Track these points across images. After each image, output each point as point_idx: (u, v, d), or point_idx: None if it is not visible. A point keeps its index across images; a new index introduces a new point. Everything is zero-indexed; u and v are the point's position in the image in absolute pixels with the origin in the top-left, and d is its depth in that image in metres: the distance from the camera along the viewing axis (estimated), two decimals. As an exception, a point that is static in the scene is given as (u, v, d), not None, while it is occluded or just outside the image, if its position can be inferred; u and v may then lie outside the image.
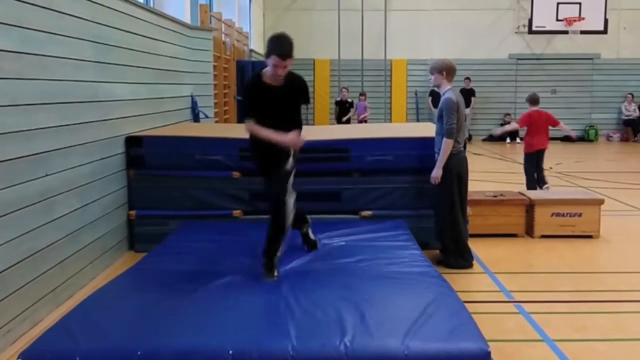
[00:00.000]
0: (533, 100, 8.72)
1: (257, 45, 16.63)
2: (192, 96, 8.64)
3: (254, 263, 4.53)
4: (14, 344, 3.85)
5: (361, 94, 16.60)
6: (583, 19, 16.90)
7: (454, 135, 5.34)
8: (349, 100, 16.00)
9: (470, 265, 5.52)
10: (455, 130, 5.33)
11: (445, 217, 5.50)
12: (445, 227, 5.52)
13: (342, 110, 15.92)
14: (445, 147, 5.34)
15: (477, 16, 18.09)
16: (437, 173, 5.42)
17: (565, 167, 12.17)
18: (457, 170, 5.45)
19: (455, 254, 5.50)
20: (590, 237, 6.55)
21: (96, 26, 5.33)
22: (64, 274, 4.61)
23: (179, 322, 3.39)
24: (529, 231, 6.63)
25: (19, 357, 3.03)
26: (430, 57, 17.05)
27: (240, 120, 11.99)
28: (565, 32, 17.21)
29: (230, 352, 3.04)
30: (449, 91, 5.42)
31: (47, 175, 4.34)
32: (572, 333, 4.13)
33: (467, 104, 16.90)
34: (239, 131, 7.16)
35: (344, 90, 16.15)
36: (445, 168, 5.41)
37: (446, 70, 5.46)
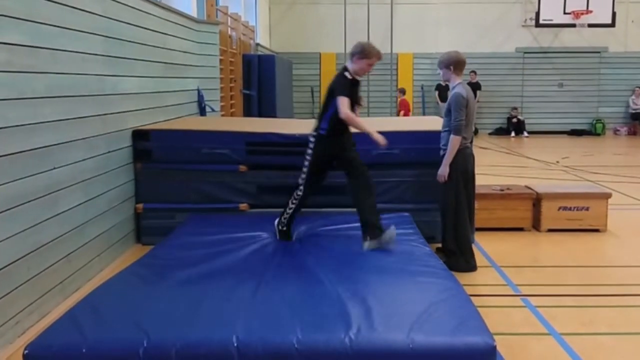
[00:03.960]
0: (403, 91, 14.64)
1: (264, 39, 16.62)
2: (198, 90, 8.65)
3: (260, 256, 4.54)
4: (23, 335, 3.88)
5: None
6: (591, 12, 16.82)
7: (461, 132, 5.16)
8: None
9: (473, 269, 5.27)
10: (463, 127, 5.16)
11: (449, 216, 5.31)
12: (448, 227, 5.33)
13: None
14: (453, 144, 5.17)
15: (484, 9, 18.02)
16: (443, 171, 5.24)
17: (573, 161, 12.12)
18: (463, 167, 5.27)
19: (457, 256, 5.27)
20: (597, 231, 6.53)
21: (106, 20, 5.35)
22: (71, 267, 4.63)
23: (184, 314, 3.40)
24: (536, 225, 6.62)
25: (25, 349, 3.04)
26: (436, 51, 17.02)
27: (246, 114, 11.99)
28: (573, 26, 17.13)
29: (235, 344, 3.05)
30: (459, 86, 5.25)
31: (55, 168, 4.36)
32: (579, 327, 4.12)
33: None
34: (246, 125, 7.20)
35: None
36: (451, 165, 5.23)
37: (453, 64, 5.29)
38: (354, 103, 5.00)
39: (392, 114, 17.92)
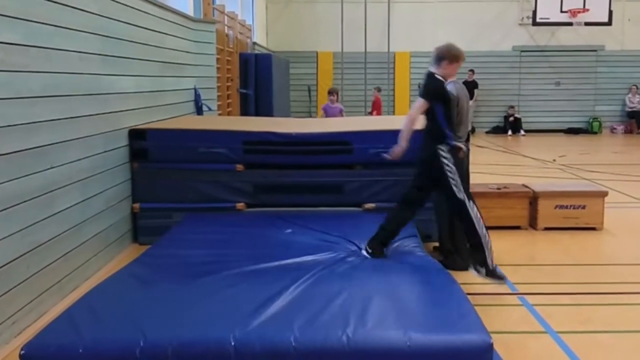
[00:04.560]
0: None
1: (260, 37, 16.61)
2: (195, 89, 8.64)
3: (257, 255, 4.54)
4: (20, 335, 3.87)
5: (330, 92, 11.21)
6: (587, 10, 16.82)
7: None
8: None
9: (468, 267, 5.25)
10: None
11: (443, 214, 5.33)
12: (444, 226, 5.35)
13: None
14: None
15: (481, 8, 18.02)
16: None
17: (569, 159, 12.14)
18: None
19: (454, 255, 5.28)
20: (593, 229, 6.54)
21: (102, 19, 5.33)
22: (69, 266, 4.63)
23: (182, 313, 3.40)
24: (533, 223, 6.63)
25: (22, 350, 3.03)
26: (433, 49, 17.00)
27: (243, 113, 11.98)
28: (570, 24, 17.13)
29: (233, 342, 3.05)
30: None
31: (52, 167, 4.35)
32: (576, 325, 4.13)
33: (470, 97, 16.86)
34: (243, 124, 7.19)
35: None
36: None
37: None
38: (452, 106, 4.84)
39: (389, 113, 17.93)
